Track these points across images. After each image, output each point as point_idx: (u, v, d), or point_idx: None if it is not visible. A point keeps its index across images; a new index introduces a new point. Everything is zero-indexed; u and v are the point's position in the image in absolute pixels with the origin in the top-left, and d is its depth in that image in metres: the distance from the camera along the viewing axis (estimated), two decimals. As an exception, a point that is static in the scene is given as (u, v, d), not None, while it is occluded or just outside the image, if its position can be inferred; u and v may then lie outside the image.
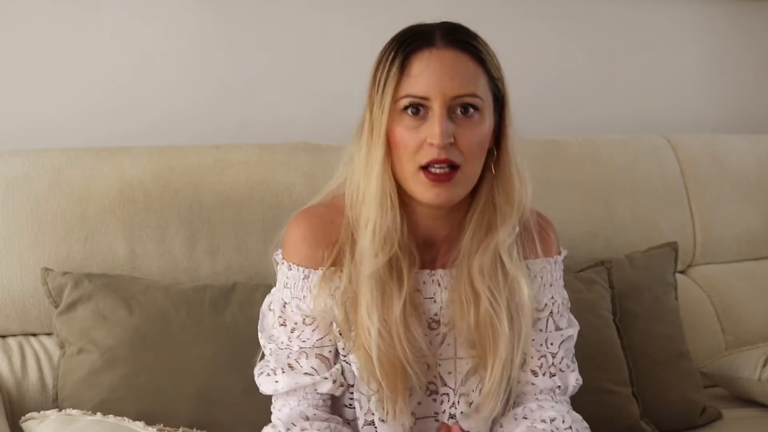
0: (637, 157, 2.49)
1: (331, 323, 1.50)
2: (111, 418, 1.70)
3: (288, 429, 1.47)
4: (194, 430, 1.75)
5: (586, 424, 1.54)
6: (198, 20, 2.30)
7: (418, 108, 1.42)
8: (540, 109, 2.61)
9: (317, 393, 1.51)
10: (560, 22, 2.70)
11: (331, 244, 1.49)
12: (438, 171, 1.42)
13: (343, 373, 1.52)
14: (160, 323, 1.84)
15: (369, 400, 1.50)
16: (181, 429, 1.74)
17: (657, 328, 2.14)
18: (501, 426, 1.53)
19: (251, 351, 1.60)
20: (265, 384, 1.53)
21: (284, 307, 1.52)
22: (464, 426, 1.50)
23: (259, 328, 1.57)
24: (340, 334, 1.50)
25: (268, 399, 1.56)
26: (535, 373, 1.54)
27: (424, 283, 1.52)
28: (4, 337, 1.94)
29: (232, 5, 2.33)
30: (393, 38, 1.48)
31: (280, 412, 1.51)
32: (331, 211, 1.52)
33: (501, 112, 1.50)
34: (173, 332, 1.84)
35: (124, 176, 1.99)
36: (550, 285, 1.56)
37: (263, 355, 1.56)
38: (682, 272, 2.48)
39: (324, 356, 1.51)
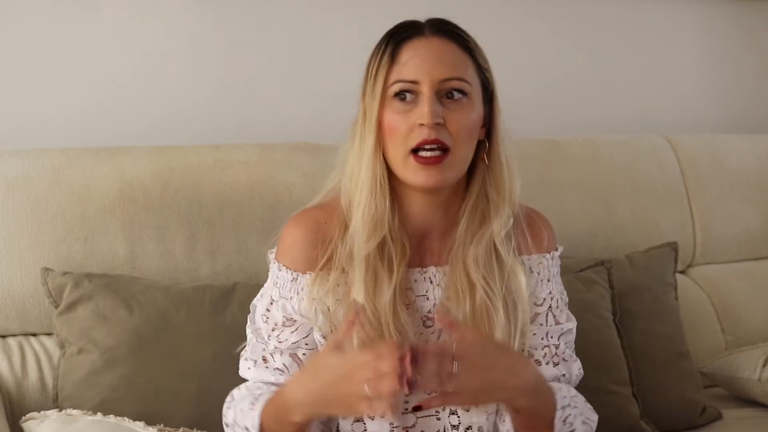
0: (637, 157, 2.49)
1: (312, 328, 1.52)
2: (111, 418, 1.70)
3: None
4: (194, 430, 1.75)
5: (590, 407, 1.56)
6: (198, 20, 2.30)
7: (409, 93, 1.47)
8: (540, 109, 2.62)
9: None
10: (560, 22, 2.70)
11: (324, 245, 1.51)
12: (428, 154, 1.45)
13: None
14: (160, 323, 1.84)
15: None
16: (181, 429, 1.74)
17: (657, 328, 2.14)
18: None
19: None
20: (242, 367, 1.57)
21: (270, 305, 1.55)
22: (466, 417, 1.51)
23: (248, 318, 1.59)
24: (324, 337, 1.51)
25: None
26: (539, 363, 1.55)
27: (415, 281, 1.53)
28: (4, 337, 1.94)
29: (232, 5, 2.33)
30: (385, 33, 1.53)
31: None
32: (325, 212, 1.54)
33: (491, 104, 1.53)
34: (173, 332, 1.84)
35: (124, 176, 1.99)
36: (548, 280, 1.58)
37: None
38: (682, 272, 2.48)
39: (297, 356, 1.53)
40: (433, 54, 1.48)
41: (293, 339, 1.53)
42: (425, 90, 1.46)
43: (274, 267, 1.56)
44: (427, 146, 1.45)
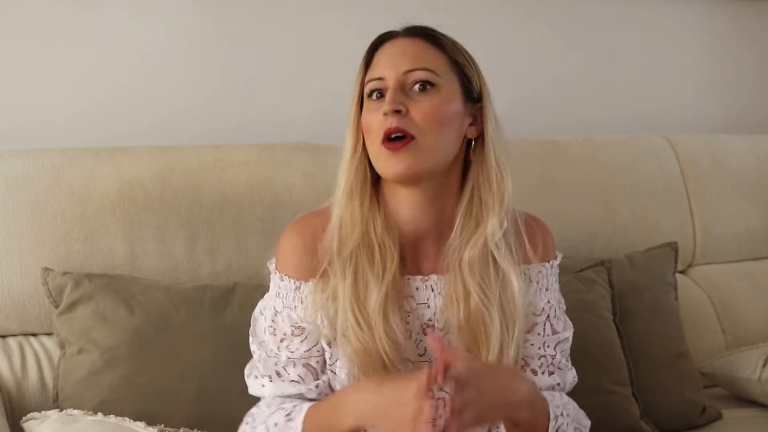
0: (637, 157, 2.49)
1: (321, 332, 1.51)
2: (112, 418, 1.70)
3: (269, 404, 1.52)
4: (194, 430, 1.75)
5: (583, 414, 1.58)
6: (198, 20, 2.30)
7: (380, 92, 1.50)
8: (540, 109, 2.62)
9: (302, 400, 1.52)
10: (560, 22, 2.70)
11: (322, 252, 1.51)
12: (393, 140, 1.46)
13: (330, 385, 1.53)
14: (161, 323, 1.84)
15: None
16: (181, 429, 1.74)
17: (657, 328, 2.14)
18: None
19: (251, 351, 1.60)
20: (253, 386, 1.56)
21: (275, 316, 1.54)
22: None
23: (250, 332, 1.58)
24: (329, 344, 1.51)
25: (267, 399, 1.56)
26: (535, 372, 1.55)
27: (417, 289, 1.53)
28: (4, 337, 1.94)
29: (232, 5, 2.33)
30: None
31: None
32: (322, 219, 1.54)
33: (481, 103, 1.54)
34: (173, 332, 1.84)
35: (124, 176, 1.99)
36: (546, 289, 1.57)
37: None
38: (682, 272, 2.48)
39: (311, 366, 1.53)
40: (399, 51, 1.52)
41: (304, 348, 1.52)
42: (390, 83, 1.49)
43: (275, 278, 1.55)
44: (392, 135, 1.46)
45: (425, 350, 1.51)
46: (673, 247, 2.27)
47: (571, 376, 1.60)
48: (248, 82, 2.35)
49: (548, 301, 1.57)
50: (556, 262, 1.60)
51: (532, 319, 1.55)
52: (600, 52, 2.74)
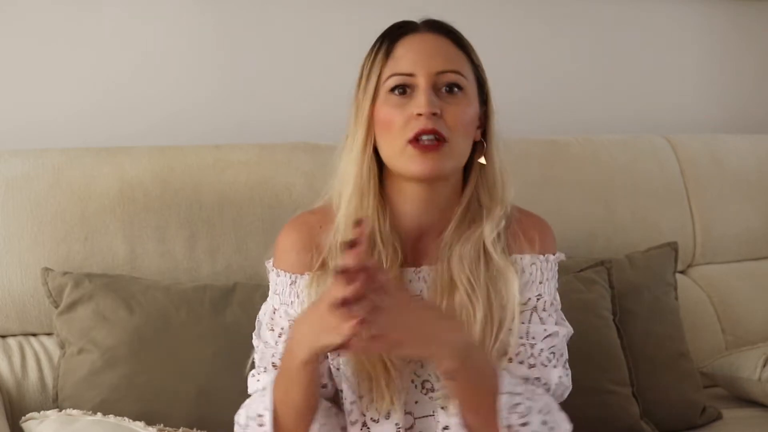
0: (637, 157, 2.49)
1: None
2: (111, 418, 1.70)
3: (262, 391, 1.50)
4: (194, 430, 1.75)
5: (564, 417, 1.48)
6: (198, 20, 2.30)
7: (405, 88, 1.47)
8: (540, 109, 2.62)
9: None
10: (560, 22, 2.70)
11: (318, 249, 1.50)
12: (426, 142, 1.44)
13: (332, 377, 1.52)
14: (160, 323, 1.84)
15: (361, 401, 1.49)
16: (181, 429, 1.74)
17: (657, 328, 2.14)
18: None
19: (251, 351, 1.60)
20: (252, 386, 1.55)
21: (273, 313, 1.54)
22: (443, 419, 1.48)
23: (254, 334, 1.57)
24: None
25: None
26: (510, 360, 1.48)
27: (410, 281, 1.52)
28: (4, 337, 1.94)
29: (232, 5, 2.33)
30: (380, 34, 1.53)
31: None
32: (319, 216, 1.54)
33: (486, 105, 1.53)
34: (173, 332, 1.84)
35: (124, 176, 1.99)
36: (539, 282, 1.53)
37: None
38: (682, 272, 2.48)
39: None
40: (428, 47, 1.48)
41: None
42: (421, 82, 1.46)
43: (272, 274, 1.55)
44: (425, 135, 1.44)
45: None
46: (673, 247, 2.27)
47: (556, 376, 1.50)
48: (248, 82, 2.35)
49: (539, 294, 1.52)
50: (554, 258, 1.57)
51: (519, 308, 1.50)
52: (600, 52, 2.74)
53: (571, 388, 1.54)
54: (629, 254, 2.25)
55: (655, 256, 2.25)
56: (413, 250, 1.54)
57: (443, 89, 1.47)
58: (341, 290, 1.30)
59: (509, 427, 1.40)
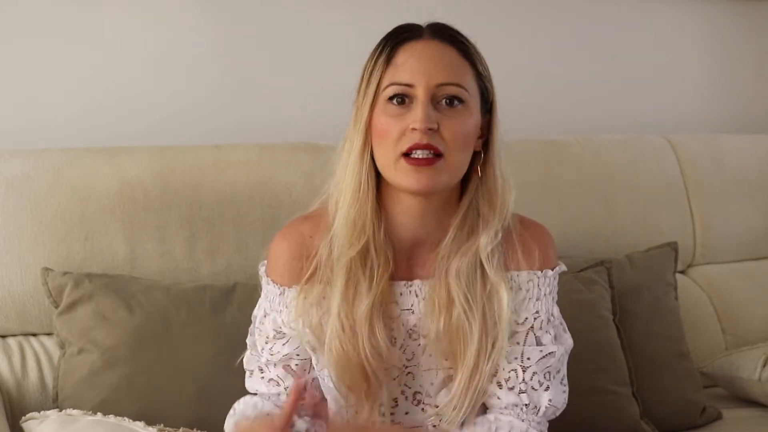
0: (637, 157, 2.49)
1: (304, 338, 1.50)
2: (111, 418, 1.70)
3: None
4: (194, 430, 1.75)
5: None
6: (198, 20, 2.30)
7: (403, 98, 1.43)
8: (540, 109, 2.62)
9: (281, 399, 1.53)
10: (560, 22, 2.70)
11: (309, 258, 1.48)
12: (420, 156, 1.41)
13: (318, 387, 1.53)
14: (160, 323, 1.84)
15: (346, 411, 1.49)
16: (181, 429, 1.74)
17: (657, 328, 2.14)
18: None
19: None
20: (246, 378, 1.58)
21: (264, 317, 1.54)
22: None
23: (249, 330, 1.58)
24: (313, 350, 1.50)
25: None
26: (500, 386, 1.48)
27: (401, 294, 1.50)
28: (4, 337, 1.94)
29: (232, 6, 2.33)
30: (384, 36, 1.49)
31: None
32: (311, 224, 1.51)
33: (490, 115, 1.49)
34: (173, 332, 1.84)
35: (124, 176, 1.99)
36: (537, 299, 1.50)
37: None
38: (682, 272, 2.48)
39: (290, 368, 1.52)
40: (430, 57, 1.44)
41: (285, 351, 1.52)
42: (420, 94, 1.41)
43: (264, 281, 1.55)
44: (419, 150, 1.41)
45: (413, 355, 1.49)
46: (673, 247, 2.27)
47: (546, 399, 1.48)
48: (248, 82, 2.35)
49: (536, 312, 1.49)
50: (553, 272, 1.52)
51: (514, 327, 1.48)
52: (600, 53, 2.74)
53: (565, 404, 1.52)
54: (629, 254, 2.25)
55: (655, 256, 2.25)
56: (406, 261, 1.51)
57: (443, 101, 1.43)
58: None
59: None
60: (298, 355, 1.52)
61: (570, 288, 1.97)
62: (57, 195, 1.94)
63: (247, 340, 1.58)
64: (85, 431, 1.66)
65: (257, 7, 2.35)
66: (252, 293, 1.88)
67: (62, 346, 1.86)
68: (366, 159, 1.45)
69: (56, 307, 1.87)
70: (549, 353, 1.49)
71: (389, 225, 1.48)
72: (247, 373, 1.57)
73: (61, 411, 1.73)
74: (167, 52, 2.28)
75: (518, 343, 1.48)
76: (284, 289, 1.50)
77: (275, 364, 1.52)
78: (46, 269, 1.89)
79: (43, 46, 2.18)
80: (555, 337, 1.51)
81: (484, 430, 1.46)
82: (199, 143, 2.15)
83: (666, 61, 2.83)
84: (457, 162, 1.44)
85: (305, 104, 2.38)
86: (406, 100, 1.43)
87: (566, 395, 1.52)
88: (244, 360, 1.57)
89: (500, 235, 1.47)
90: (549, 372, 1.49)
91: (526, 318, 1.49)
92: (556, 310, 1.52)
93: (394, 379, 1.49)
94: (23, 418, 1.74)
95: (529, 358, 1.48)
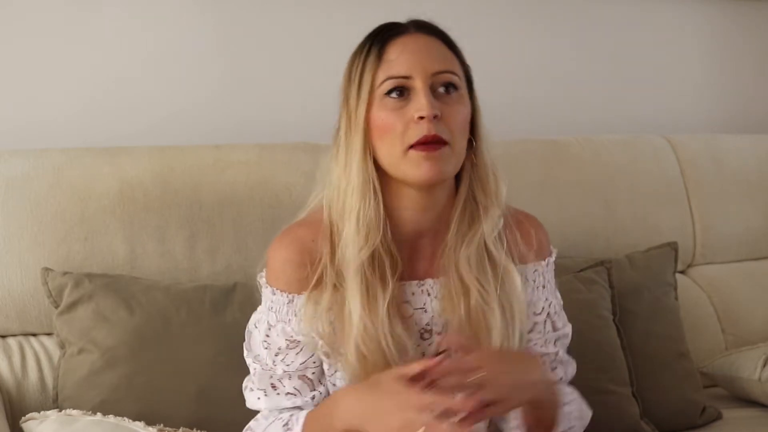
0: (637, 157, 2.49)
1: (317, 345, 1.49)
2: (111, 418, 1.70)
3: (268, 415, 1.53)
4: (194, 430, 1.75)
5: (586, 405, 1.60)
6: (198, 20, 2.31)
7: (402, 90, 1.44)
8: (540, 109, 2.62)
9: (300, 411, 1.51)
10: (560, 22, 2.70)
11: (313, 264, 1.47)
12: (429, 143, 1.42)
13: (329, 394, 1.52)
14: (160, 323, 1.84)
15: None
16: (181, 429, 1.74)
17: (657, 328, 2.14)
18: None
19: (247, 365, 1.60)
20: (250, 399, 1.55)
21: (269, 330, 1.52)
22: None
23: (245, 346, 1.56)
24: (326, 355, 1.49)
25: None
26: None
27: (413, 294, 1.51)
28: (4, 337, 1.94)
29: (232, 6, 2.33)
30: (367, 35, 1.51)
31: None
32: (310, 229, 1.50)
33: (472, 103, 1.51)
34: (173, 332, 1.84)
35: (124, 176, 1.99)
36: (543, 287, 1.56)
37: None
38: (682, 272, 2.48)
39: (307, 377, 1.52)
40: (422, 48, 1.46)
41: (300, 360, 1.50)
42: (419, 84, 1.43)
43: (267, 291, 1.52)
44: (428, 142, 1.42)
45: (422, 356, 1.49)
46: (673, 247, 2.27)
47: (571, 369, 1.62)
48: (248, 82, 2.35)
49: (546, 299, 1.57)
50: (552, 259, 1.59)
51: (533, 319, 1.55)
52: (600, 53, 2.74)
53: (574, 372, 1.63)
54: (629, 254, 2.25)
55: (655, 256, 2.25)
56: (410, 255, 1.52)
57: (440, 89, 1.45)
58: (445, 401, 1.31)
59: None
60: (314, 362, 1.51)
61: (570, 288, 1.97)
62: (57, 195, 1.94)
63: (247, 358, 1.55)
64: (85, 431, 1.65)
65: (257, 7, 2.35)
66: (252, 293, 1.87)
67: (62, 346, 1.86)
68: (368, 160, 1.45)
69: (56, 307, 1.87)
70: (564, 334, 1.59)
71: (393, 223, 1.49)
72: (257, 393, 1.53)
73: (61, 411, 1.73)
74: (167, 52, 2.28)
75: (540, 333, 1.57)
76: (293, 297, 1.49)
77: (291, 376, 1.51)
78: (46, 269, 1.89)
79: (43, 46, 2.18)
80: (563, 319, 1.61)
81: None
82: (199, 143, 2.15)
83: (666, 61, 2.83)
84: (461, 149, 1.47)
85: (305, 104, 2.38)
86: (405, 92, 1.44)
87: (575, 364, 1.63)
88: (254, 380, 1.53)
89: (502, 220, 1.50)
90: (564, 348, 1.60)
91: (543, 308, 1.56)
92: (558, 294, 1.61)
93: None
94: (23, 418, 1.74)
95: (550, 343, 1.58)
